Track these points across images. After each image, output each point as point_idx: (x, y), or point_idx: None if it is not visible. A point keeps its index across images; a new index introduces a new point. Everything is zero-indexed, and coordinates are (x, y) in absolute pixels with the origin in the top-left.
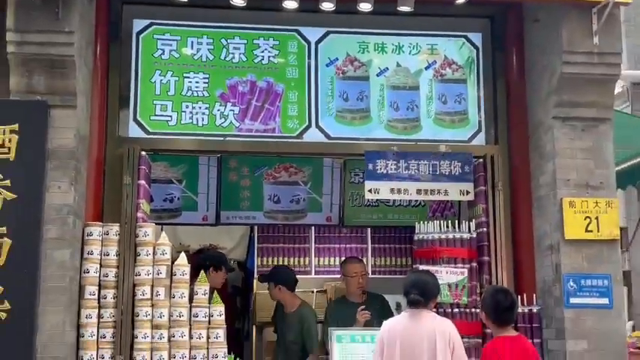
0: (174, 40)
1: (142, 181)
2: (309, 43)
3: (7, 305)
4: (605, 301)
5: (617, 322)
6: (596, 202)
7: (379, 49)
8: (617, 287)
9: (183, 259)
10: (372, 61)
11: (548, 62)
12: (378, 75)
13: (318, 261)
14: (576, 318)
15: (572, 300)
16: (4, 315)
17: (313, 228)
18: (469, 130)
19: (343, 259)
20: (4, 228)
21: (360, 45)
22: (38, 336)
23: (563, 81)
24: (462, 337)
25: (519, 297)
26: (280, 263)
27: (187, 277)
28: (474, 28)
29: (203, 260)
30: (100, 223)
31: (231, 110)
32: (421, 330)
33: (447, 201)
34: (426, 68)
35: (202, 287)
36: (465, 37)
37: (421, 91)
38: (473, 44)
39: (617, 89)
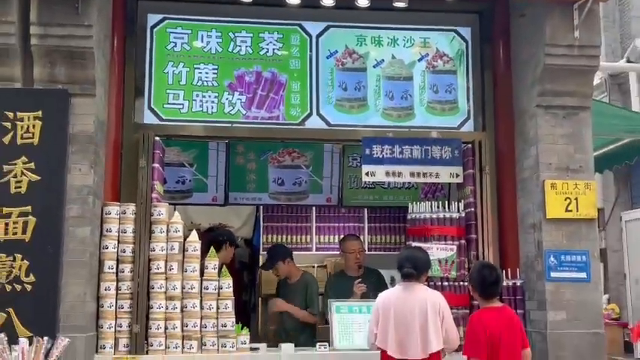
0: (185, 33)
1: (156, 165)
2: (310, 36)
3: (32, 278)
4: (583, 275)
5: (594, 294)
6: (576, 184)
7: (376, 42)
8: (594, 263)
9: (194, 236)
10: (369, 53)
11: (532, 54)
12: (374, 66)
13: (319, 238)
14: (556, 290)
15: (553, 274)
16: (29, 287)
17: (314, 208)
18: (459, 117)
19: (342, 236)
20: (30, 207)
21: (358, 38)
22: (61, 306)
23: (546, 72)
24: (451, 308)
25: (504, 271)
26: (284, 241)
27: (198, 252)
28: (463, 22)
29: (220, 236)
30: (118, 203)
31: (238, 99)
32: (413, 301)
33: (438, 183)
34: (419, 60)
35: (212, 262)
36: (455, 31)
37: (414, 81)
38: (462, 38)
39: (596, 80)
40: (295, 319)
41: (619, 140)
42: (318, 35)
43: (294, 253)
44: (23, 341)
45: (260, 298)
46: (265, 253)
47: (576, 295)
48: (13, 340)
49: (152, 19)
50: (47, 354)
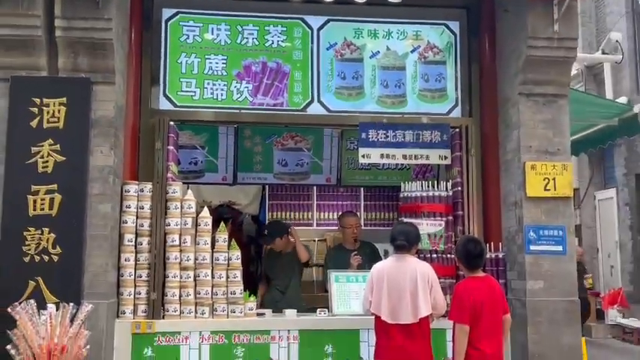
0: (197, 26)
1: (171, 147)
2: (312, 29)
3: (59, 250)
4: (559, 248)
5: (570, 265)
6: (554, 166)
7: (372, 34)
8: (569, 237)
9: (206, 212)
10: (365, 45)
11: (515, 46)
12: (370, 57)
13: (319, 215)
14: (535, 262)
15: (532, 247)
16: (56, 258)
17: (315, 187)
18: (447, 104)
19: (340, 213)
20: (56, 185)
21: (356, 31)
22: (85, 275)
23: (528, 62)
24: (439, 278)
25: (487, 245)
26: (287, 217)
27: (209, 227)
28: (452, 17)
29: (224, 214)
30: (136, 182)
31: (245, 87)
32: (405, 270)
33: (428, 164)
34: (412, 51)
35: (222, 236)
36: (445, 24)
37: (407, 71)
38: (451, 31)
39: (574, 71)
40: (290, 283)
41: (594, 126)
42: (319, 28)
43: (296, 228)
44: (51, 307)
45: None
46: (266, 230)
47: (553, 267)
48: (41, 305)
49: (166, 13)
50: (73, 318)
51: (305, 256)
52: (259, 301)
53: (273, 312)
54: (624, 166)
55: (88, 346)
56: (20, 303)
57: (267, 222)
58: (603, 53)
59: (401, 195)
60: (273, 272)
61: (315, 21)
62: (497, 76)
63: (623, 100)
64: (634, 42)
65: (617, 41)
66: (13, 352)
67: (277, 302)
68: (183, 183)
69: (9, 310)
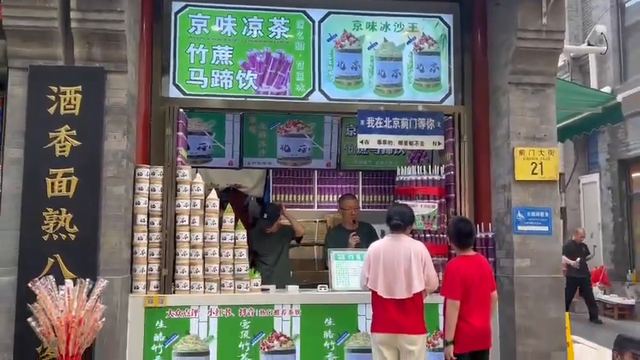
0: (205, 18)
1: (181, 133)
2: (313, 21)
3: (76, 229)
4: (545, 228)
5: (555, 245)
6: (541, 151)
7: (370, 26)
8: (555, 218)
9: (213, 194)
10: (364, 36)
11: (506, 38)
12: (369, 48)
13: (320, 198)
14: (522, 242)
15: (520, 227)
16: (73, 236)
17: (316, 171)
18: (441, 93)
19: (340, 196)
20: (72, 168)
21: (355, 23)
22: (100, 253)
23: (517, 53)
24: (432, 256)
25: (478, 225)
26: (290, 200)
27: (217, 208)
28: (446, 10)
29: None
30: (148, 166)
31: (250, 76)
32: (400, 249)
33: (423, 150)
34: (408, 43)
35: (229, 216)
36: (439, 17)
37: (403, 61)
38: (445, 23)
39: (560, 62)
40: (281, 258)
41: (579, 114)
42: (320, 21)
43: (299, 210)
44: (69, 282)
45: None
46: (265, 213)
47: (539, 246)
48: (60, 281)
49: (176, 6)
50: (89, 293)
51: (301, 230)
52: None
53: (277, 288)
54: (607, 152)
55: (103, 319)
56: (40, 278)
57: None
58: (589, 45)
59: (397, 179)
60: (264, 249)
61: (317, 13)
62: (488, 67)
63: (607, 89)
64: (618, 35)
65: (602, 33)
66: (33, 324)
67: (267, 277)
68: (192, 167)
69: (29, 285)
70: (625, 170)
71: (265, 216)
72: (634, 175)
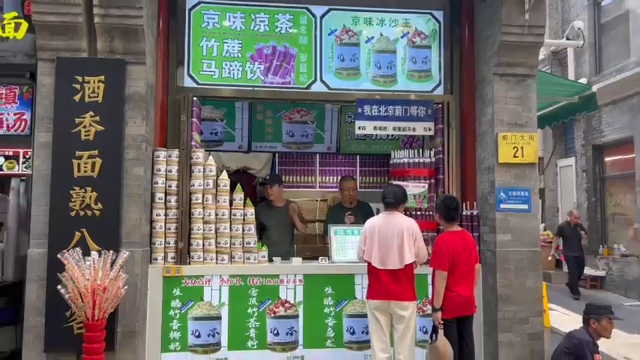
0: (216, 14)
1: (194, 119)
2: (315, 17)
3: (100, 206)
4: (525, 207)
5: (534, 221)
6: (522, 136)
7: (367, 22)
8: (534, 198)
9: (224, 175)
10: (362, 31)
11: (491, 33)
12: (366, 42)
13: (321, 179)
14: (504, 218)
15: (502, 205)
16: (98, 212)
17: (318, 155)
18: (432, 83)
19: (340, 177)
20: (96, 151)
21: (354, 19)
22: (122, 227)
23: (502, 47)
24: (422, 231)
25: (464, 203)
26: (294, 181)
27: (228, 188)
28: (437, 6)
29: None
30: (165, 149)
31: (258, 68)
32: (393, 225)
33: (415, 135)
34: (402, 37)
35: (238, 195)
36: (431, 13)
37: (397, 54)
38: (436, 19)
39: (541, 56)
40: (282, 232)
41: (557, 103)
42: (322, 16)
43: (302, 190)
44: (94, 254)
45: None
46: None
47: (519, 222)
48: (86, 252)
49: (190, 2)
50: (112, 263)
51: (301, 230)
52: None
53: (282, 260)
54: (582, 138)
55: (125, 287)
56: (68, 250)
57: None
58: (567, 39)
59: (391, 161)
60: (270, 222)
61: (318, 10)
62: (474, 59)
63: (583, 81)
64: (594, 31)
65: (579, 29)
66: (62, 291)
67: (272, 249)
68: (205, 150)
69: (59, 256)
70: (599, 155)
71: (268, 177)
72: (607, 159)
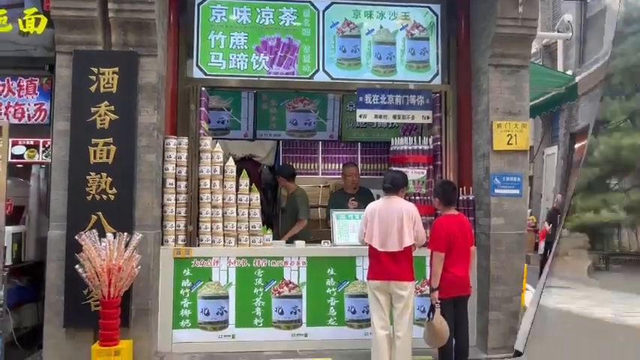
0: (223, 9)
1: (203, 108)
2: (318, 10)
3: (114, 190)
4: (517, 191)
5: (523, 205)
6: (515, 124)
7: (368, 15)
8: (525, 183)
9: (231, 162)
10: (362, 24)
11: (486, 25)
12: (367, 34)
13: (324, 166)
14: (498, 203)
15: (496, 191)
16: (112, 197)
17: (320, 142)
18: (430, 74)
19: (342, 164)
20: (111, 139)
21: (355, 12)
22: (136, 211)
23: (496, 38)
24: (421, 215)
25: (460, 189)
26: (298, 167)
27: (234, 174)
28: (435, 0)
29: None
30: (175, 137)
31: (263, 59)
32: (393, 209)
33: (413, 123)
34: (401, 29)
35: (244, 181)
36: (429, 7)
37: (397, 46)
38: (434, 12)
39: (533, 49)
40: (291, 218)
41: (546, 94)
42: (324, 10)
43: (305, 176)
44: (109, 236)
45: (280, 209)
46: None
47: (511, 206)
48: (102, 234)
49: None
50: (126, 245)
51: (296, 231)
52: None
53: (286, 243)
54: (565, 127)
55: (139, 267)
56: (85, 232)
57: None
58: (558, 32)
59: (391, 148)
60: (283, 209)
61: (321, 4)
62: (470, 50)
63: (570, 72)
64: (580, 25)
65: (569, 22)
66: (80, 270)
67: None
68: (213, 138)
69: (76, 237)
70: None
71: (287, 173)
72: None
